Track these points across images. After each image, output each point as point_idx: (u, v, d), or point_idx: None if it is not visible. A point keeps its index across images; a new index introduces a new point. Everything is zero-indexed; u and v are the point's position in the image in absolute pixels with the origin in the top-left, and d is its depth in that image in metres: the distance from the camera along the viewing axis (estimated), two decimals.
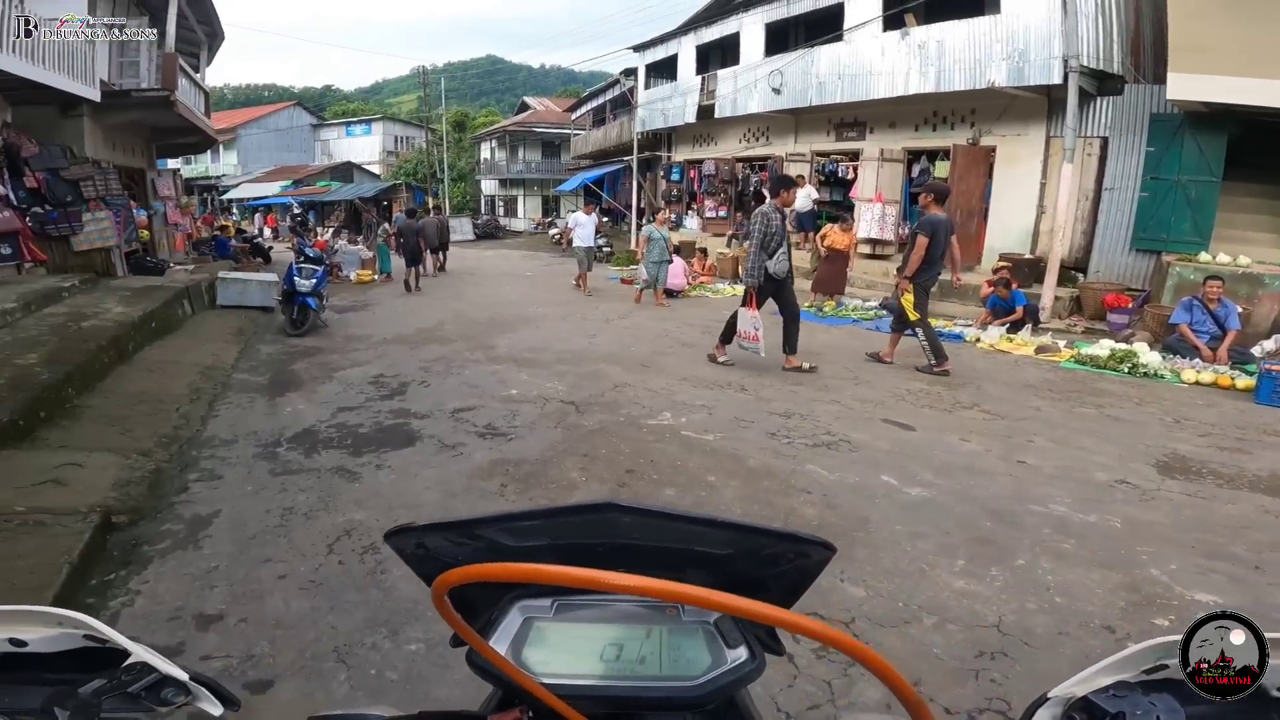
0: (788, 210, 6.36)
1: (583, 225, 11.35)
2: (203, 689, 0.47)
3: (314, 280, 7.76)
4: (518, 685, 0.46)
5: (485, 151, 34.42)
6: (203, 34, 13.46)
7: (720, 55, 15.19)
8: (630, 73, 18.48)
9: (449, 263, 14.45)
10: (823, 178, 12.72)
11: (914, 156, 11.33)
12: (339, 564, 2.70)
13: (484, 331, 7.67)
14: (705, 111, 14.84)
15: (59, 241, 8.30)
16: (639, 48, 17.49)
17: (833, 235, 9.46)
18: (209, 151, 26.09)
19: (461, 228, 26.21)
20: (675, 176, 17.26)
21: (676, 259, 10.82)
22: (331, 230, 18.39)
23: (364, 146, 37.64)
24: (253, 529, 2.99)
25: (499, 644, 0.50)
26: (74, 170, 8.53)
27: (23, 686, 0.43)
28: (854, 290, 10.33)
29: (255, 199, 29.58)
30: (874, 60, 10.81)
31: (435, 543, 0.50)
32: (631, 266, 13.98)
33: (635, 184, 18.29)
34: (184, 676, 0.46)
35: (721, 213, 15.53)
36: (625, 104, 19.55)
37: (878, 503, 3.33)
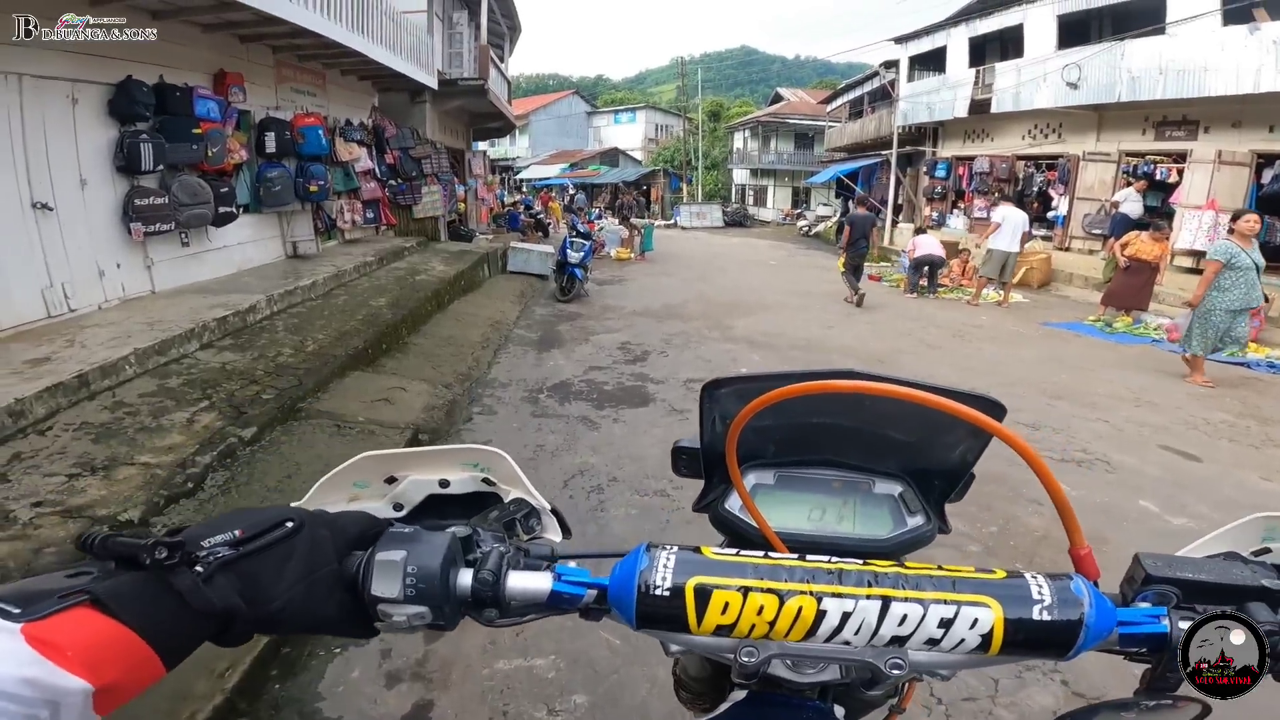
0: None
1: (1011, 221, 8.89)
2: (554, 520, 0.61)
3: (582, 253, 8.86)
4: (756, 528, 0.57)
5: (738, 141, 34.72)
6: (505, 27, 15.25)
7: (998, 47, 13.93)
8: (891, 65, 17.33)
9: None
10: (1131, 179, 10.73)
11: (1266, 160, 9.05)
12: (569, 498, 3.19)
13: (724, 313, 8.00)
14: (979, 106, 13.57)
15: (404, 210, 10.34)
16: (901, 39, 16.42)
17: (1138, 244, 7.89)
18: (508, 136, 30.38)
19: (710, 214, 27.14)
20: (940, 173, 15.76)
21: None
22: (596, 212, 20.42)
23: (629, 133, 40.37)
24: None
25: (732, 505, 0.64)
26: (419, 150, 10.39)
27: (447, 519, 0.55)
28: (1162, 307, 8.56)
29: (541, 179, 34.00)
30: (1209, 55, 9.05)
31: (728, 393, 0.60)
32: (882, 263, 13.30)
33: (894, 179, 17.13)
34: (548, 507, 0.60)
35: (992, 214, 13.82)
36: (885, 96, 18.25)
37: (1125, 526, 2.95)
